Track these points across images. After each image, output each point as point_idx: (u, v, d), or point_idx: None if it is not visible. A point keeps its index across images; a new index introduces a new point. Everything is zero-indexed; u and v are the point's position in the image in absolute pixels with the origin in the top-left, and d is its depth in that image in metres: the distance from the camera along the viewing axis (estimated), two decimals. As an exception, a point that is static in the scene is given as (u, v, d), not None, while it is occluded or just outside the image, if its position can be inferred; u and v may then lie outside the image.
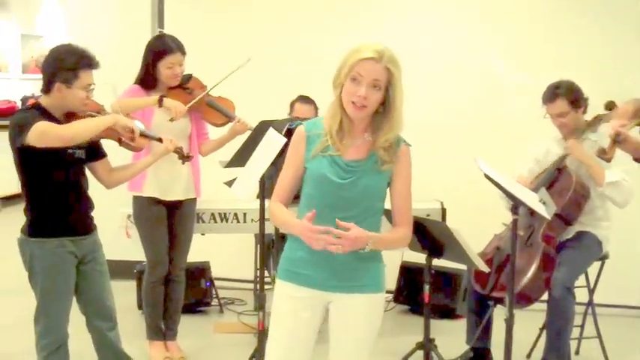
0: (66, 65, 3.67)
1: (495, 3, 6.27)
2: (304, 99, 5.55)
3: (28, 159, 3.68)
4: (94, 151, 3.93)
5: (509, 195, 3.75)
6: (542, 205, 3.96)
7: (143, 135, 4.07)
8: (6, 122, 10.19)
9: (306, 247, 2.94)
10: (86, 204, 3.92)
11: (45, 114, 3.69)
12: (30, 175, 3.74)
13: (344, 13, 6.34)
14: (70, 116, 3.79)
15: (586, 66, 5.85)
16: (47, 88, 3.72)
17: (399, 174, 3.02)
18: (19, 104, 11.28)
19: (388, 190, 3.06)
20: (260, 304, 4.16)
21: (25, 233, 3.79)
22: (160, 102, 4.60)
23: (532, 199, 3.83)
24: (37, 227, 3.77)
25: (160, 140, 4.21)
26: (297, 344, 3.11)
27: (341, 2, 6.42)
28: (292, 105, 5.55)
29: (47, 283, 3.77)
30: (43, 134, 3.56)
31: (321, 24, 6.30)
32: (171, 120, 4.59)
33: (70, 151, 3.75)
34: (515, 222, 3.80)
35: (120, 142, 3.95)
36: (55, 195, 3.75)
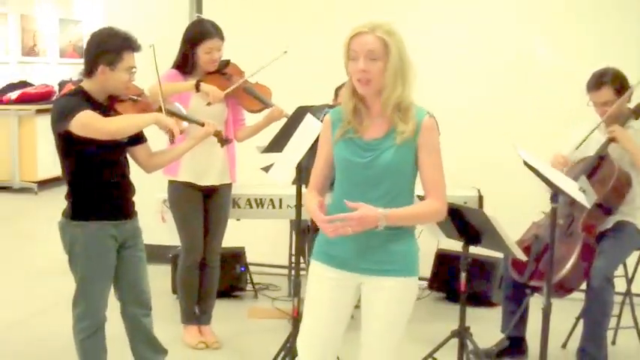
0: (109, 47, 3.69)
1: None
2: None
3: (69, 143, 3.68)
4: (135, 136, 3.92)
5: (548, 183, 3.69)
6: (582, 193, 3.90)
7: (185, 118, 4.06)
8: (44, 106, 10.44)
9: None
10: (128, 188, 3.92)
11: (88, 99, 3.70)
12: (72, 158, 3.75)
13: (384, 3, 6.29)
14: (112, 99, 3.80)
15: (633, 53, 5.72)
16: (90, 72, 3.73)
17: (424, 145, 2.98)
18: (56, 88, 11.37)
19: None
20: (295, 290, 4.15)
21: (66, 216, 3.80)
22: (198, 87, 4.59)
23: (572, 188, 3.77)
24: (78, 210, 3.77)
25: (202, 125, 4.19)
26: (324, 324, 3.13)
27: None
28: (337, 91, 5.50)
29: (87, 266, 3.79)
30: (86, 125, 3.58)
31: (361, 13, 6.21)
32: (209, 104, 4.59)
33: None
34: (554, 210, 3.75)
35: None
36: (97, 178, 3.76)
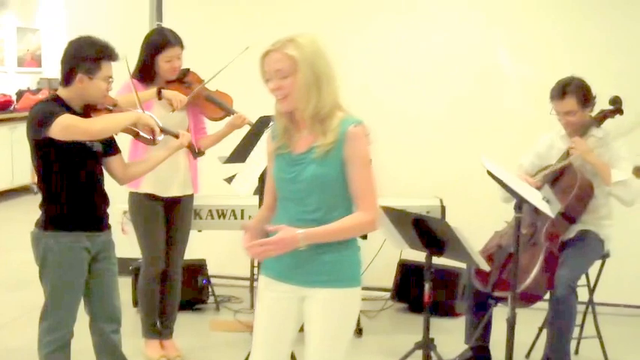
0: (88, 56, 3.64)
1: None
2: None
3: (46, 151, 3.63)
4: (109, 146, 3.88)
5: (512, 193, 3.70)
6: (546, 203, 3.90)
7: (161, 130, 4.02)
8: (2, 116, 10.24)
9: None
10: (102, 199, 3.87)
11: (64, 106, 3.65)
12: (47, 167, 3.69)
13: (350, 7, 6.27)
14: (88, 108, 3.76)
15: (594, 60, 5.76)
16: (67, 80, 3.68)
17: (350, 156, 2.93)
18: (14, 98, 11.21)
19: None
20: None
21: (39, 227, 3.74)
22: (159, 94, 4.54)
23: (536, 197, 3.78)
24: (52, 221, 3.72)
25: (176, 136, 4.14)
26: (270, 337, 3.12)
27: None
28: None
29: (59, 278, 3.73)
30: (68, 127, 3.53)
31: (324, 17, 6.21)
32: (173, 110, 4.55)
33: (88, 144, 3.71)
34: (518, 220, 3.75)
35: (137, 136, 3.90)
36: (73, 188, 3.71)
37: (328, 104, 2.93)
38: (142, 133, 3.87)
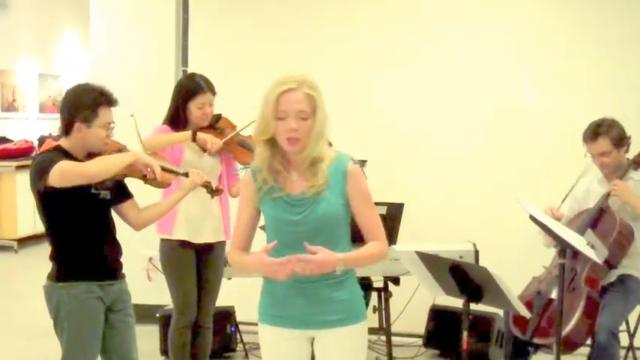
0: (84, 104, 3.61)
1: (527, 26, 6.14)
2: None
3: (50, 202, 3.59)
4: (120, 192, 3.83)
5: (557, 238, 3.62)
6: (591, 249, 3.82)
7: (168, 170, 3.98)
8: (24, 162, 10.30)
9: (279, 285, 2.93)
10: (114, 248, 3.81)
11: (67, 156, 3.60)
12: (53, 218, 3.65)
13: (371, 46, 6.25)
14: (91, 158, 3.69)
15: (629, 102, 5.68)
16: (67, 130, 3.65)
17: (356, 193, 2.98)
18: (36, 144, 11.24)
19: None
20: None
21: (51, 279, 3.68)
22: (194, 136, 4.51)
23: (581, 243, 3.69)
24: (63, 272, 3.66)
25: (186, 175, 4.11)
26: None
27: (366, 37, 6.32)
28: None
29: (74, 330, 3.65)
30: (65, 172, 3.48)
31: (345, 53, 6.20)
32: (207, 153, 4.53)
33: (94, 191, 3.66)
34: (562, 266, 3.67)
35: (145, 179, 3.84)
36: (81, 238, 3.65)
37: (324, 145, 2.95)
38: (149, 176, 3.81)
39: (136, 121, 4.00)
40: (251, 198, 3.04)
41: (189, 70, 5.97)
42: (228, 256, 3.12)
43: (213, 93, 4.63)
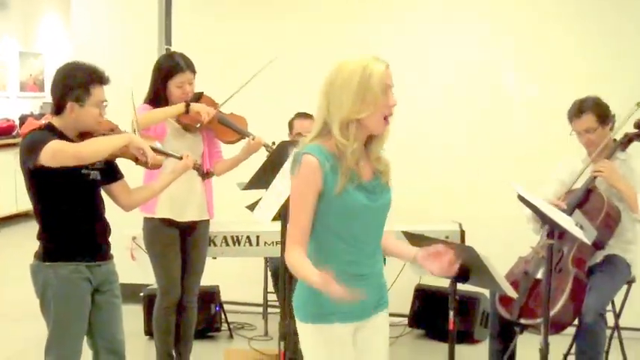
0: (76, 82, 3.54)
1: (509, 14, 6.15)
2: (303, 115, 5.30)
3: (40, 181, 3.53)
4: (110, 173, 3.78)
5: (546, 219, 3.59)
6: (580, 229, 3.80)
7: (163, 153, 3.93)
8: (5, 141, 10.20)
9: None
10: (103, 228, 3.76)
11: (58, 135, 3.54)
12: (43, 197, 3.59)
13: (357, 27, 6.20)
14: (83, 137, 3.63)
15: (613, 82, 5.67)
16: (58, 109, 3.58)
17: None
18: (17, 123, 11.14)
19: None
20: (283, 333, 4.00)
21: (38, 259, 3.63)
22: (187, 107, 4.47)
23: (569, 223, 3.67)
24: (51, 252, 3.61)
25: (180, 158, 4.06)
26: None
27: (353, 16, 6.28)
28: (291, 124, 5.35)
29: (61, 311, 3.60)
30: (57, 152, 3.42)
31: (335, 37, 6.13)
32: (200, 125, 4.50)
33: (84, 171, 3.60)
34: (551, 247, 3.64)
35: (137, 160, 3.78)
36: (70, 218, 3.60)
37: None
38: (142, 159, 3.76)
39: (134, 97, 3.96)
40: (318, 189, 2.75)
41: (173, 49, 5.89)
42: (287, 252, 2.78)
43: (193, 72, 4.56)
